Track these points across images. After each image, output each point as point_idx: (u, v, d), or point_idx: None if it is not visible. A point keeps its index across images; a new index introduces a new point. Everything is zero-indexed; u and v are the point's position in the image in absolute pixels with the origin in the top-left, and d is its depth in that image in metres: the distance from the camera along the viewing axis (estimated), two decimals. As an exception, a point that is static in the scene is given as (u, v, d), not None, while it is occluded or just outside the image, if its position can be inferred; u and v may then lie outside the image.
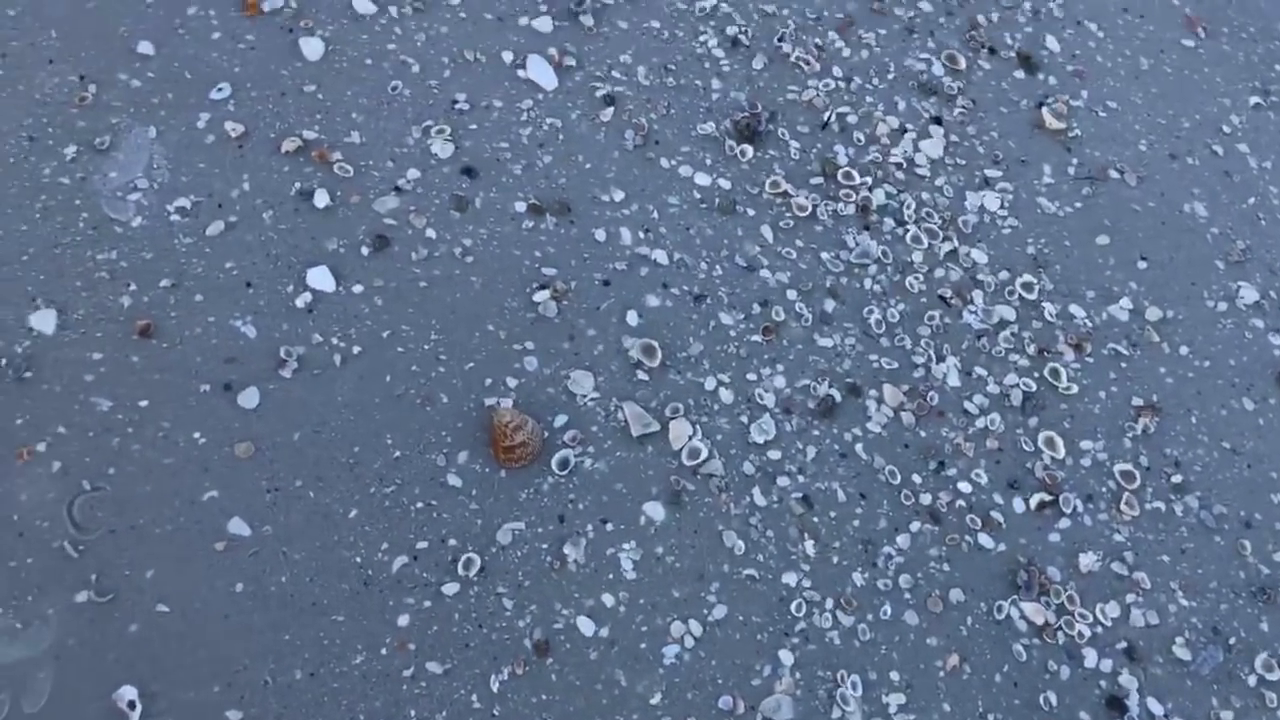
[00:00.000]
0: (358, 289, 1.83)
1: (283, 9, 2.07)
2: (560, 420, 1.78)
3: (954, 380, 1.96)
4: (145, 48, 1.98)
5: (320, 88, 2.00)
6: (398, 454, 1.71)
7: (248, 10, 2.05)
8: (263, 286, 1.80)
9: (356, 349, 1.78)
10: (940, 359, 1.98)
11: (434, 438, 1.73)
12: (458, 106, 2.04)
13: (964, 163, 2.22)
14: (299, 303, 1.80)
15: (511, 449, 1.70)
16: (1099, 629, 1.78)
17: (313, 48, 2.04)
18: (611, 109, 2.11)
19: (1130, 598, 1.82)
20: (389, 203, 1.92)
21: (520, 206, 1.97)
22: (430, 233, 1.91)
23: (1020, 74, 2.37)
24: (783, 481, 1.80)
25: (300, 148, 1.93)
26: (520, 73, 2.11)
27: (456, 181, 1.97)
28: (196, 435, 1.66)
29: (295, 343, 1.76)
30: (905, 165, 2.18)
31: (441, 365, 1.79)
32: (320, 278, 1.82)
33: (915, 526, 1.81)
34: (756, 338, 1.93)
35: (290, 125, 1.95)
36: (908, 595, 1.75)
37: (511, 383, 1.80)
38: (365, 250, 1.86)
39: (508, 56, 2.12)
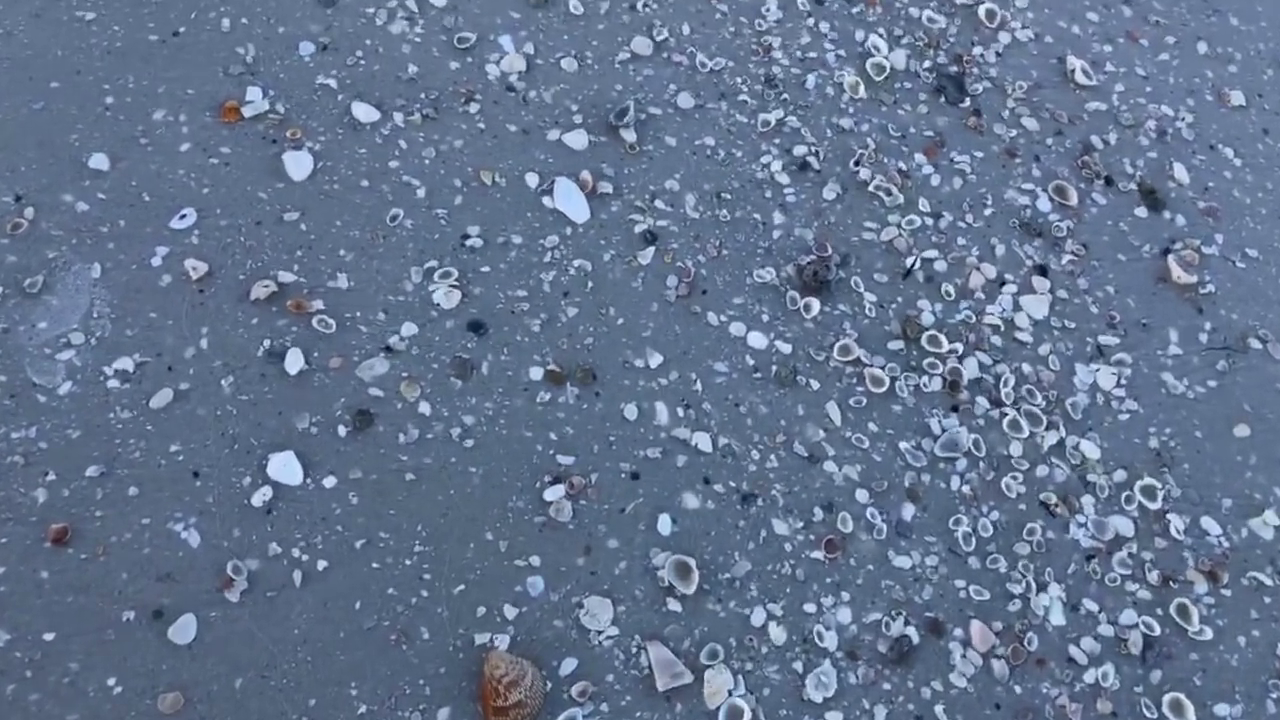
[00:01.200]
0: (329, 482, 1.49)
1: (267, 114, 1.74)
2: (568, 666, 1.43)
3: (1058, 617, 1.59)
4: (99, 161, 1.65)
5: (304, 215, 1.67)
6: (362, 710, 1.37)
7: (225, 116, 1.72)
8: (213, 477, 1.46)
9: (322, 563, 1.44)
10: (1041, 587, 1.60)
11: (409, 688, 1.39)
12: (469, 243, 1.70)
13: (1074, 326, 1.84)
14: (256, 500, 1.46)
15: (504, 710, 1.35)
16: None
17: (299, 164, 1.70)
18: (652, 249, 1.75)
19: None
20: (377, 367, 1.58)
21: (536, 373, 1.62)
22: (424, 407, 1.56)
23: (1142, 211, 1.98)
24: (843, 755, 1.44)
25: (274, 294, 1.59)
26: (546, 200, 1.76)
27: (461, 339, 1.63)
28: (112, 682, 1.33)
29: (247, 554, 1.42)
30: (1003, 328, 1.81)
31: (425, 588, 1.45)
32: (284, 467, 1.48)
33: (1007, 821, 1.44)
34: (817, 554, 1.56)
35: (264, 264, 1.62)
36: None
37: (510, 613, 1.45)
38: (343, 430, 1.52)
39: (532, 180, 1.77)
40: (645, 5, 1.99)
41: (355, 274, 1.65)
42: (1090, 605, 1.60)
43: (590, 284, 1.71)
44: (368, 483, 1.50)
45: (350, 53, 1.83)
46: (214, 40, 1.80)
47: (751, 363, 1.70)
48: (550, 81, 1.87)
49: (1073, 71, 2.09)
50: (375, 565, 1.45)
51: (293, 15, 1.85)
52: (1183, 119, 2.09)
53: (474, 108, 1.82)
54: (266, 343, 1.57)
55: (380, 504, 1.49)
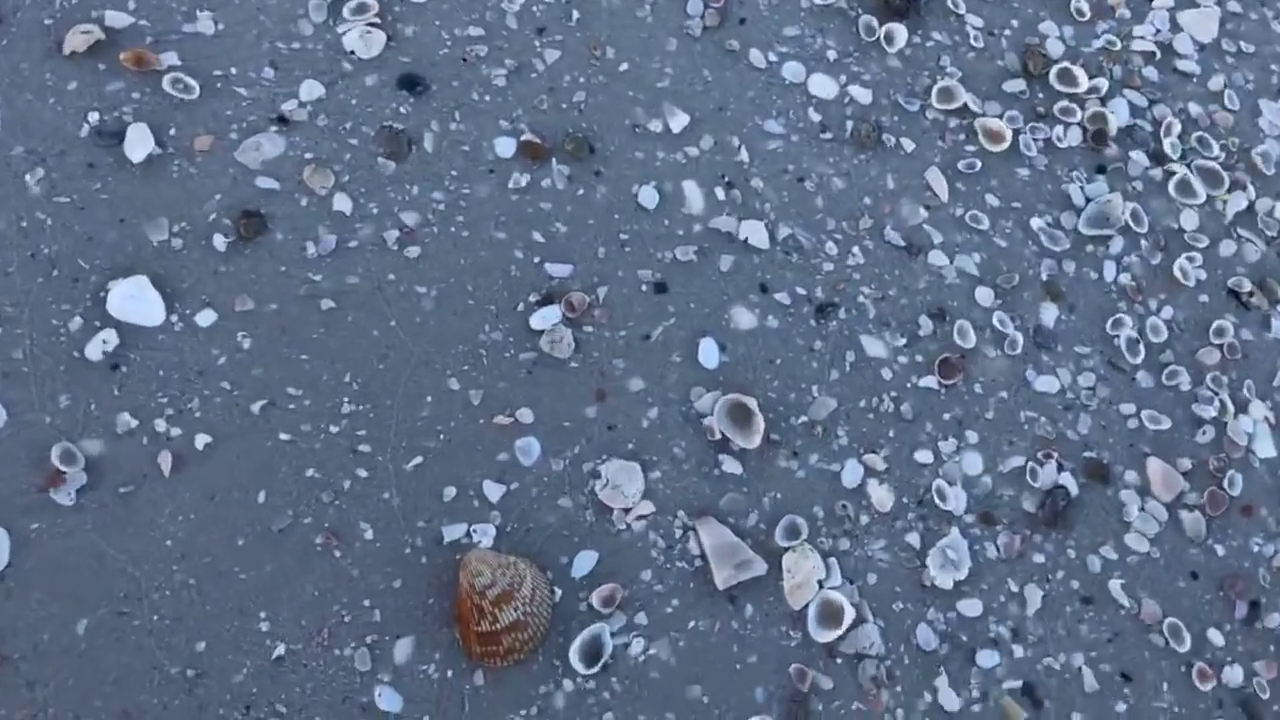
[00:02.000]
0: (206, 319, 0.99)
1: None
2: (584, 563, 0.97)
3: (1266, 447, 1.13)
4: None
5: None
6: (280, 651, 0.91)
7: None
8: (22, 321, 0.97)
9: (202, 439, 0.95)
10: (1240, 407, 1.14)
11: (349, 613, 0.92)
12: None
13: (1252, 50, 1.32)
14: (93, 351, 0.96)
15: (495, 636, 0.90)
16: None
17: None
18: (663, -37, 1.20)
19: None
20: (266, 148, 1.06)
21: (505, 147, 1.10)
22: (342, 203, 1.05)
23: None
24: (987, 659, 1.00)
25: (99, 44, 1.05)
26: None
27: (390, 102, 1.10)
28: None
29: (83, 434, 0.94)
30: (1159, 56, 1.28)
31: (362, 464, 0.97)
32: (134, 301, 0.98)
33: (1221, 734, 1.02)
34: (929, 381, 1.09)
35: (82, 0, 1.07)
36: None
37: (494, 492, 0.98)
38: (222, 242, 1.02)
39: None
40: None
41: (225, 11, 1.10)
42: (1307, 428, 1.14)
43: (576, 14, 1.17)
44: (265, 317, 1.00)
45: None
46: None
47: (817, 119, 1.18)
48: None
49: None
50: (285, 437, 0.97)
51: None
52: None
53: None
54: (94, 116, 1.04)
55: (286, 346, 1.00)
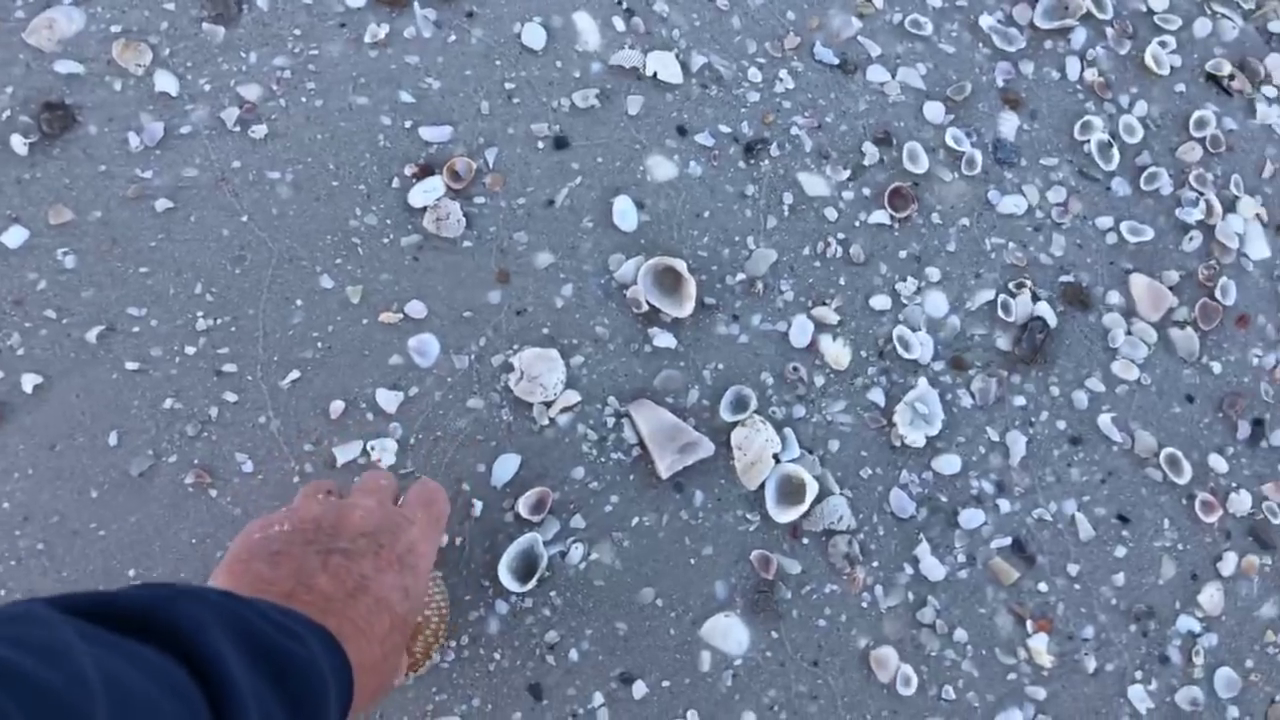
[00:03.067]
0: (15, 237, 0.83)
1: None
2: (505, 468, 0.84)
3: (1259, 248, 1.01)
4: None
5: None
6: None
7: None
8: None
9: (30, 381, 0.80)
10: (1228, 205, 1.01)
11: (236, 558, 0.79)
12: None
13: None
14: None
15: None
16: None
17: None
18: None
19: None
20: (61, 24, 0.87)
21: (356, -5, 0.92)
22: (165, 81, 0.88)
23: None
24: (971, 518, 0.89)
25: None
26: None
27: (209, -45, 0.91)
28: None
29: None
30: None
31: (228, 387, 0.83)
32: (-79, 225, 0.81)
33: (1229, 565, 0.92)
34: (879, 215, 0.95)
35: None
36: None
37: (389, 401, 0.84)
38: (22, 144, 0.84)
39: None
40: None
41: None
42: (1303, 221, 1.02)
43: None
44: (89, 228, 0.84)
45: None
46: None
47: (720, -76, 1.00)
48: None
49: None
50: (132, 366, 0.82)
51: None
52: None
53: None
54: None
55: (119, 260, 0.84)
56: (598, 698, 0.81)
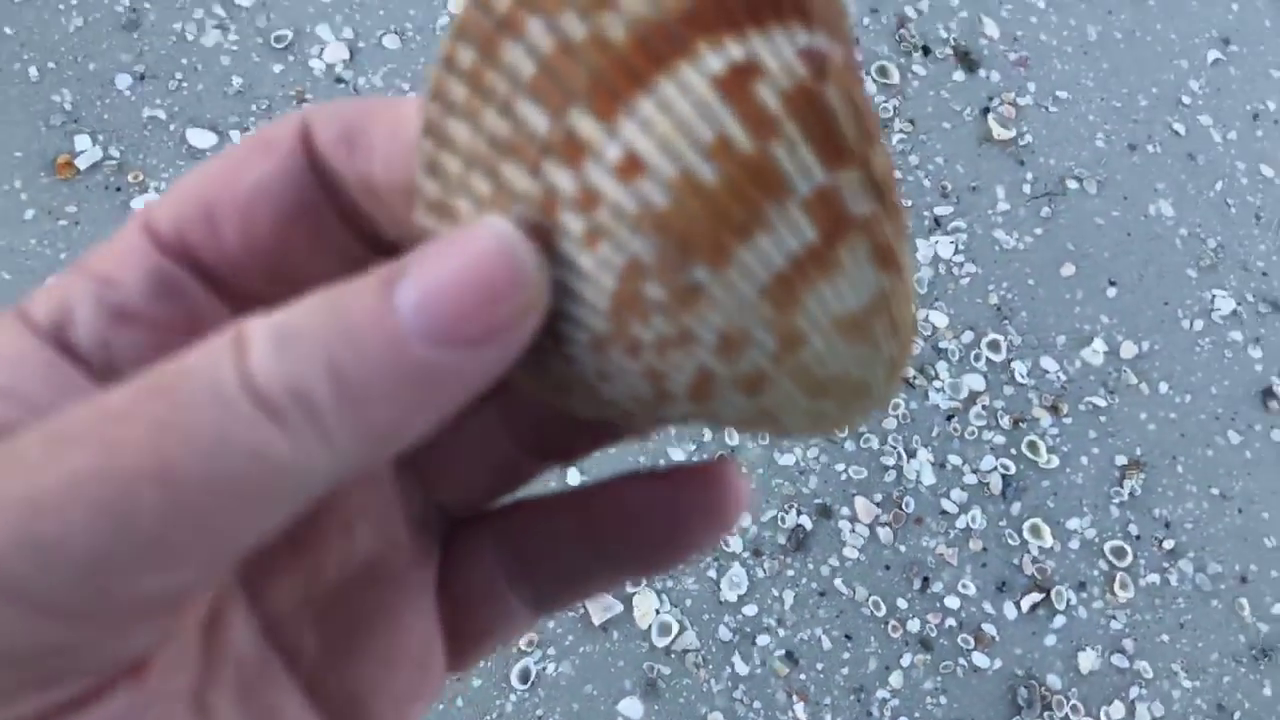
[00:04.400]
0: None
1: (102, 162, 1.74)
2: (513, 624, 1.62)
3: (928, 477, 1.81)
4: (-53, 251, 1.66)
5: (168, 261, 1.71)
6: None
7: (60, 173, 1.72)
8: None
9: None
10: (911, 454, 1.82)
11: None
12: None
13: (910, 203, 1.99)
14: None
15: (466, 677, 1.54)
16: (1105, 731, 1.72)
17: (149, 208, 1.72)
18: None
19: (1134, 691, 1.75)
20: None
21: None
22: None
23: (960, 75, 2.10)
24: (763, 640, 1.67)
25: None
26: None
27: None
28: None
29: None
30: (847, 222, 1.95)
31: None
32: None
33: (906, 660, 1.70)
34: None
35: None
36: (908, 738, 1.67)
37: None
38: None
39: (380, 173, 1.82)
40: (452, -37, 1.98)
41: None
42: (954, 459, 1.83)
43: None
44: None
45: (170, 76, 1.82)
46: (26, 93, 1.77)
47: None
48: (376, 63, 1.89)
49: (878, -54, 2.15)
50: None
51: (99, 48, 1.81)
52: (987, -28, 2.19)
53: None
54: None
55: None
56: (564, 743, 1.58)
